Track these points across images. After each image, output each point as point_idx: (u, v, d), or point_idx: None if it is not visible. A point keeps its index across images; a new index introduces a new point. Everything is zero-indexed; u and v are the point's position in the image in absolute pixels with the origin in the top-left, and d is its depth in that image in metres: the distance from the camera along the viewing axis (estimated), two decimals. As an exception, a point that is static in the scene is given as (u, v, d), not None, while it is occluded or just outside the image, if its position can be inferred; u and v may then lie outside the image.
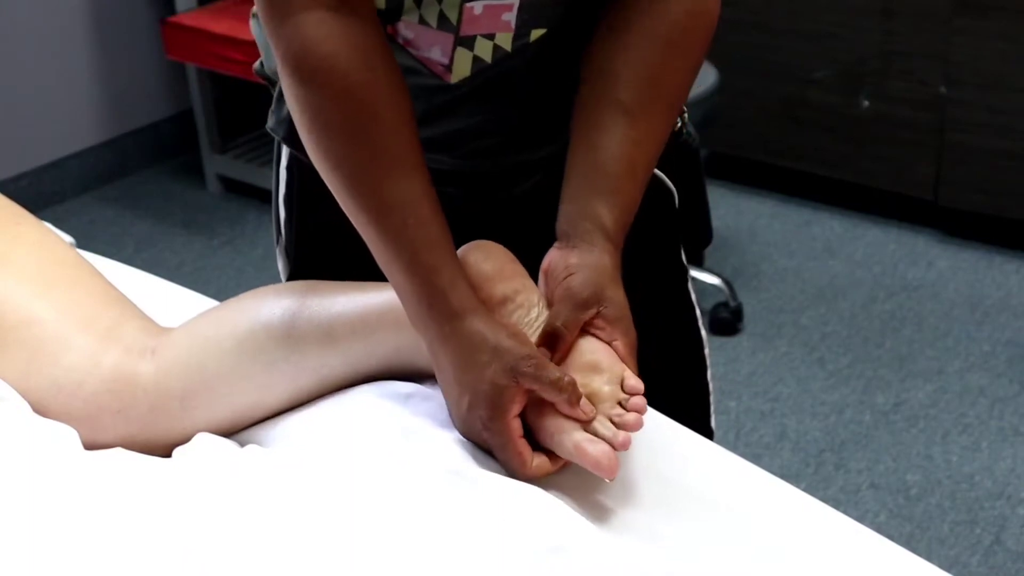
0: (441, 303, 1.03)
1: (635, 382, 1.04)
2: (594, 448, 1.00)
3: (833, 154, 3.27)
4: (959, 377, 2.70)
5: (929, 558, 1.01)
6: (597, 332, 1.06)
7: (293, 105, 1.06)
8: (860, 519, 0.96)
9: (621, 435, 1.01)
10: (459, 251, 1.08)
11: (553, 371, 1.01)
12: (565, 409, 1.01)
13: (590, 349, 1.05)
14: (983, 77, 2.98)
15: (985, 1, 2.92)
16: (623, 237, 1.11)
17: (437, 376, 1.08)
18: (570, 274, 1.07)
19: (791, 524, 1.04)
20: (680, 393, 1.35)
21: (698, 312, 1.38)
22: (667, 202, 1.34)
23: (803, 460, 2.48)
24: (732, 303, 2.90)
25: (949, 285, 3.03)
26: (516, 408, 1.02)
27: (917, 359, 2.76)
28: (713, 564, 0.99)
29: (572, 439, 1.01)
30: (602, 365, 1.05)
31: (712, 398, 1.41)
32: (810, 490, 2.32)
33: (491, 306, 1.06)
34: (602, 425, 1.02)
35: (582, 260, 1.07)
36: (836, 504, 2.30)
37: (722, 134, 3.31)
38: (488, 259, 1.07)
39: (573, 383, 1.01)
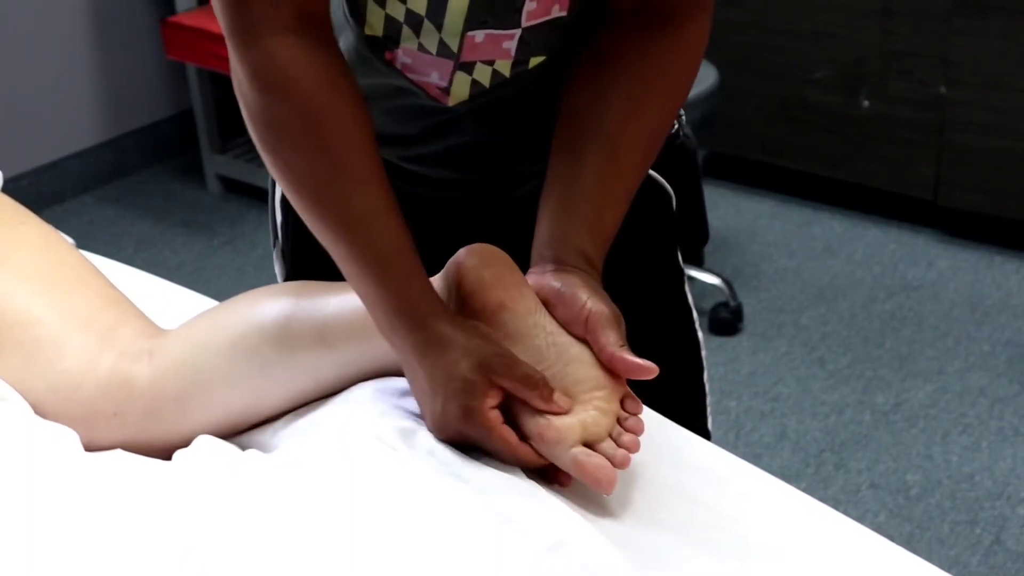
0: (412, 311, 1.04)
1: (634, 400, 1.05)
2: (591, 463, 1.00)
3: (833, 154, 3.27)
4: (959, 377, 2.70)
5: (929, 558, 1.01)
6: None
7: (257, 124, 1.07)
8: (860, 519, 0.96)
9: (620, 453, 1.01)
10: (458, 254, 1.08)
11: (524, 366, 1.02)
12: (540, 404, 1.02)
13: (589, 362, 1.06)
14: (983, 77, 2.98)
15: (985, 1, 2.92)
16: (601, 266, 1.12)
17: (411, 386, 1.08)
18: (595, 294, 1.07)
19: (791, 524, 1.04)
20: (677, 395, 1.35)
21: (695, 314, 1.38)
22: (664, 205, 1.34)
23: (803, 460, 2.48)
24: (732, 303, 2.90)
25: (949, 285, 3.03)
26: (491, 400, 1.02)
27: (917, 359, 2.76)
28: (712, 563, 0.99)
29: (570, 453, 1.01)
30: (604, 381, 1.05)
31: (709, 400, 1.41)
32: (810, 490, 2.32)
33: (488, 311, 1.06)
34: (605, 445, 1.02)
35: (590, 284, 1.08)
36: (836, 504, 2.30)
37: (722, 134, 3.31)
38: (488, 265, 1.07)
39: (544, 378, 1.02)
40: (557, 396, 1.03)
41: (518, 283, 1.08)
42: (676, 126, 1.34)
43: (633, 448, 1.02)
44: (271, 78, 1.05)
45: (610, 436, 1.03)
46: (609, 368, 1.04)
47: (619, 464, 1.01)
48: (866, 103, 3.17)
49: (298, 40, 1.05)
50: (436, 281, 1.09)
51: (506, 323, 1.06)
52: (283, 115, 1.06)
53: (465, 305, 1.07)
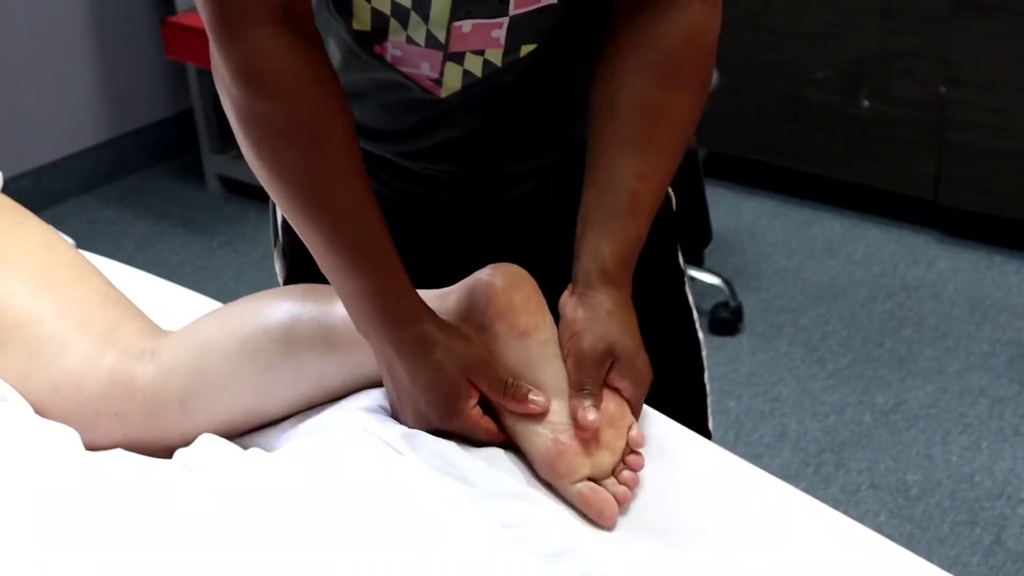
0: (394, 308, 1.06)
1: (636, 434, 1.07)
2: (596, 498, 1.03)
3: (833, 154, 3.27)
4: (959, 377, 2.70)
5: (929, 558, 1.01)
6: (607, 381, 1.08)
7: (241, 116, 1.07)
8: (860, 519, 0.96)
9: (621, 489, 1.04)
10: (484, 271, 1.10)
11: (499, 371, 1.07)
12: (515, 408, 1.06)
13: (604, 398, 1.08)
14: (983, 77, 2.98)
15: (985, 1, 2.92)
16: (628, 272, 1.12)
17: (385, 379, 1.10)
18: (575, 333, 1.08)
19: (791, 524, 1.04)
20: (677, 396, 1.36)
21: (695, 315, 1.38)
22: (664, 206, 1.34)
23: (803, 460, 2.48)
24: (732, 303, 2.90)
25: (949, 285, 3.03)
26: (472, 401, 1.07)
27: (917, 359, 2.76)
28: (714, 564, 0.99)
29: (575, 487, 1.04)
30: (614, 417, 1.07)
31: (710, 400, 1.41)
32: (810, 490, 2.32)
33: (514, 334, 1.08)
34: (608, 481, 1.05)
35: (587, 315, 1.08)
36: (836, 504, 2.30)
37: (722, 134, 3.31)
38: (518, 288, 1.09)
39: (518, 384, 1.06)
40: (532, 396, 1.06)
41: (543, 309, 1.10)
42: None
43: (632, 485, 1.05)
44: (256, 70, 1.05)
45: (613, 472, 1.05)
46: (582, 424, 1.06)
47: (621, 501, 1.04)
48: (866, 103, 3.17)
49: (282, 32, 1.04)
50: (455, 294, 1.10)
51: (528, 348, 1.08)
52: (268, 106, 1.05)
53: (489, 324, 1.08)
